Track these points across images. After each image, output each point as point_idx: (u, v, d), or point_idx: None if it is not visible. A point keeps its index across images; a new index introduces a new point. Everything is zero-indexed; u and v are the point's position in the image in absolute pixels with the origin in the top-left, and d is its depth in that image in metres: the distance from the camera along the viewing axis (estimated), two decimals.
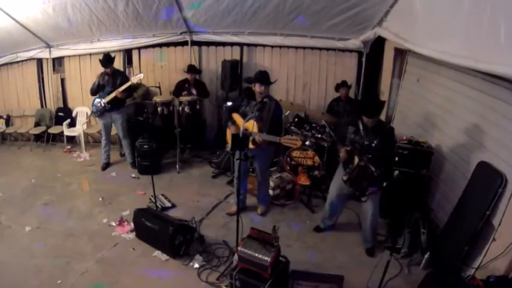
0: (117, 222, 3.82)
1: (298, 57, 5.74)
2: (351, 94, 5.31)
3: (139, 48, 5.90)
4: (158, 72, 6.07)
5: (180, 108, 4.99)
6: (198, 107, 5.16)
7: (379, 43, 5.22)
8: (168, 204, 4.19)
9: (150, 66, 6.05)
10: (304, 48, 5.64)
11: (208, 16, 5.05)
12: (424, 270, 3.11)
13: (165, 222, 3.33)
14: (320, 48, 5.59)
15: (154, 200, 4.13)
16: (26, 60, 6.13)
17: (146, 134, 5.02)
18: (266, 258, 2.59)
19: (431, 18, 3.30)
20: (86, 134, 6.12)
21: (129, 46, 5.76)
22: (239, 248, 2.71)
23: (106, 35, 5.57)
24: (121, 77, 4.86)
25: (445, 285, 2.48)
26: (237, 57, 5.78)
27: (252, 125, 3.39)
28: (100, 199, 4.37)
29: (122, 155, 5.62)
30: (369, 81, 5.58)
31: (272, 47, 5.71)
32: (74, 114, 6.21)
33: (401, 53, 4.95)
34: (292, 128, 4.86)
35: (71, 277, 3.02)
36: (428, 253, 3.18)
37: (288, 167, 4.70)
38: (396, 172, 3.78)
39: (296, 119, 4.93)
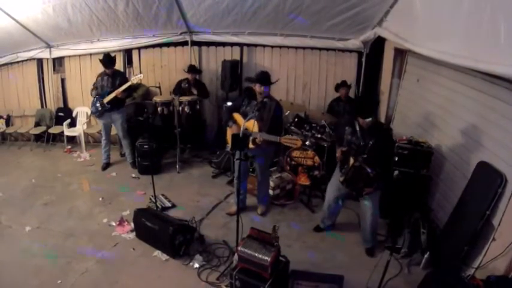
0: (117, 222, 3.83)
1: (298, 58, 5.74)
2: (351, 94, 5.31)
3: (139, 48, 5.91)
4: (158, 72, 6.07)
5: (180, 108, 5.00)
6: (198, 107, 5.16)
7: (379, 43, 5.22)
8: (168, 204, 4.19)
9: (150, 66, 6.05)
10: (304, 48, 5.64)
11: (208, 16, 5.05)
12: (424, 270, 3.11)
13: (165, 222, 3.33)
14: (320, 49, 5.59)
15: (154, 200, 4.13)
16: (26, 60, 6.13)
17: (146, 134, 5.02)
18: (266, 258, 2.59)
19: (431, 18, 3.30)
20: (86, 134, 6.12)
21: (129, 46, 5.77)
22: (239, 248, 2.71)
23: (106, 35, 5.58)
24: (120, 77, 4.86)
25: (445, 285, 2.48)
26: (237, 57, 5.78)
27: (252, 125, 3.39)
28: (100, 199, 4.37)
29: (122, 155, 5.62)
30: (368, 81, 5.58)
31: (272, 47, 5.71)
32: (74, 114, 6.21)
33: (401, 53, 4.95)
34: (292, 128, 4.87)
35: (71, 277, 3.03)
36: (428, 253, 3.18)
37: (288, 167, 4.70)
38: (396, 172, 3.78)
39: (296, 119, 4.93)
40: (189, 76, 5.28)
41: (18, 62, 6.16)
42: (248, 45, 5.71)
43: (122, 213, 3.98)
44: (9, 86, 6.39)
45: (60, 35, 5.54)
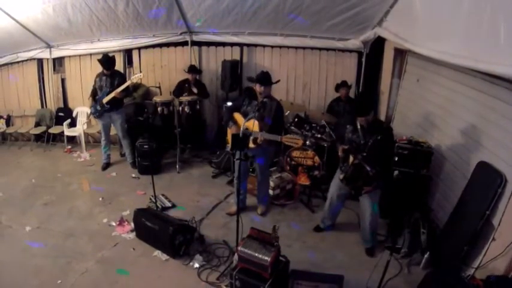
0: (117, 222, 3.83)
1: (298, 58, 5.74)
2: (351, 94, 5.31)
3: (139, 49, 5.91)
4: (158, 72, 6.08)
5: (180, 108, 5.00)
6: (198, 107, 5.16)
7: (379, 43, 5.22)
8: (168, 204, 4.19)
9: (150, 66, 6.05)
10: (304, 48, 5.64)
11: (208, 16, 5.05)
12: (424, 270, 3.11)
13: (165, 222, 3.33)
14: (320, 49, 5.59)
15: (154, 200, 4.13)
16: (26, 60, 6.14)
17: (146, 134, 5.02)
18: (266, 258, 2.59)
19: (431, 18, 3.30)
20: (86, 134, 6.12)
21: (129, 46, 5.77)
22: (239, 248, 2.71)
23: (106, 35, 5.58)
24: (119, 77, 4.85)
25: (445, 285, 2.48)
26: (237, 57, 5.78)
27: (252, 124, 3.39)
28: (100, 199, 4.37)
29: (122, 155, 5.62)
30: (368, 81, 5.58)
31: (272, 47, 5.71)
32: (74, 114, 6.21)
33: (401, 53, 4.95)
34: (292, 128, 4.87)
35: (71, 277, 3.03)
36: (428, 253, 3.18)
37: (288, 167, 4.70)
38: (396, 172, 3.78)
39: (296, 119, 4.93)
40: (189, 76, 5.28)
41: (18, 62, 6.17)
42: (248, 45, 5.71)
43: (122, 213, 3.98)
44: (10, 86, 6.39)
45: (60, 35, 5.54)
